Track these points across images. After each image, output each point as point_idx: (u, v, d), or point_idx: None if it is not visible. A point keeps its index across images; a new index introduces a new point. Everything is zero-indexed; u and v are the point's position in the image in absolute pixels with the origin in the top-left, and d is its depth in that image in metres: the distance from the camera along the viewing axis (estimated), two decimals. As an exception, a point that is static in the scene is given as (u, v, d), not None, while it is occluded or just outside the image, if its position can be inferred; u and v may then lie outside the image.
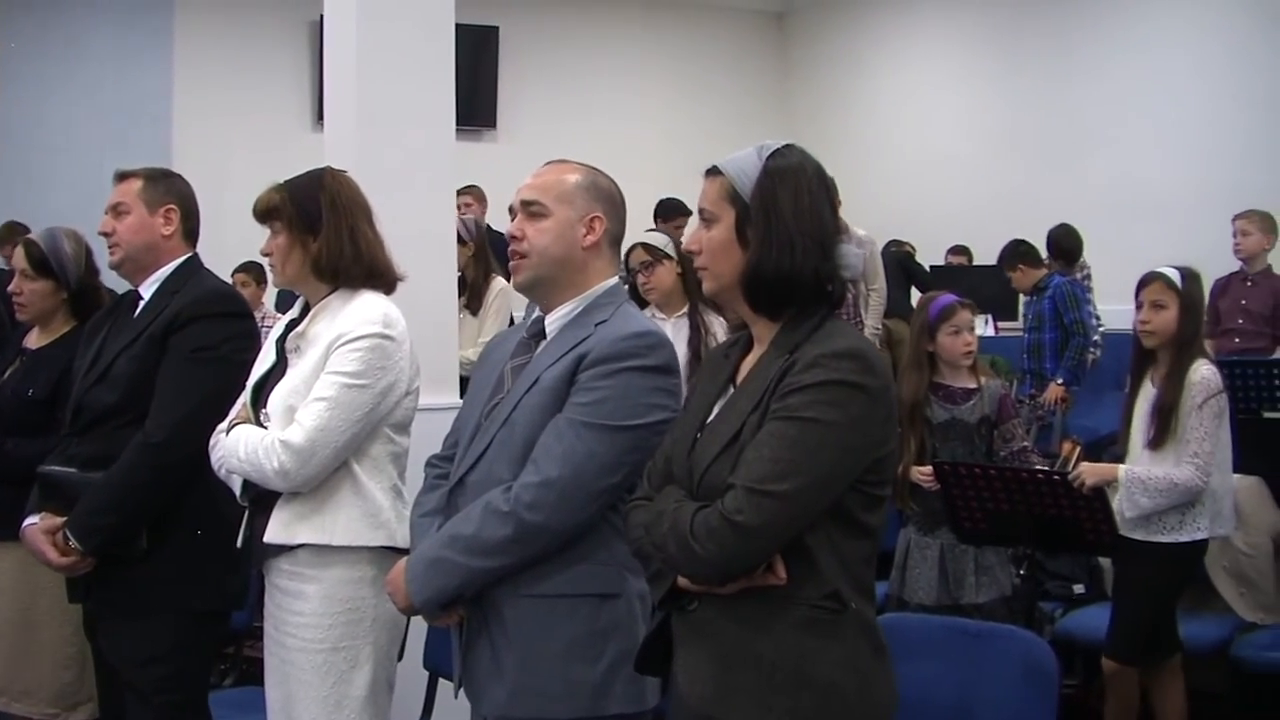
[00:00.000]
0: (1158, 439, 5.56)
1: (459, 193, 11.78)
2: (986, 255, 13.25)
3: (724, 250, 2.99)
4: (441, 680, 4.89)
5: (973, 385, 5.90)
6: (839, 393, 2.78)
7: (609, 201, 3.71)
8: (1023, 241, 10.24)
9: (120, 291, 4.94)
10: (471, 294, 7.95)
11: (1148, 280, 5.67)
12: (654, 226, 6.06)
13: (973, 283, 12.32)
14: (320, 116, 6.38)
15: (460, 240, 7.72)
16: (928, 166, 15.17)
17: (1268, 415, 6.98)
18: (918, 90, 15.67)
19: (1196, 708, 5.92)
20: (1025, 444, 5.94)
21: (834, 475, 2.80)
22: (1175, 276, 5.65)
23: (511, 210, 3.70)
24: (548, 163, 3.78)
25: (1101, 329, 10.10)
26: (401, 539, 3.99)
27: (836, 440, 2.77)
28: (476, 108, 14.93)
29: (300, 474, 3.90)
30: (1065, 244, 10.58)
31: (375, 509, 4.03)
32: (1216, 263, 9.12)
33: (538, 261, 3.63)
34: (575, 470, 3.39)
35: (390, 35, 5.72)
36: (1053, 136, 13.78)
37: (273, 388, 4.05)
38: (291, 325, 4.18)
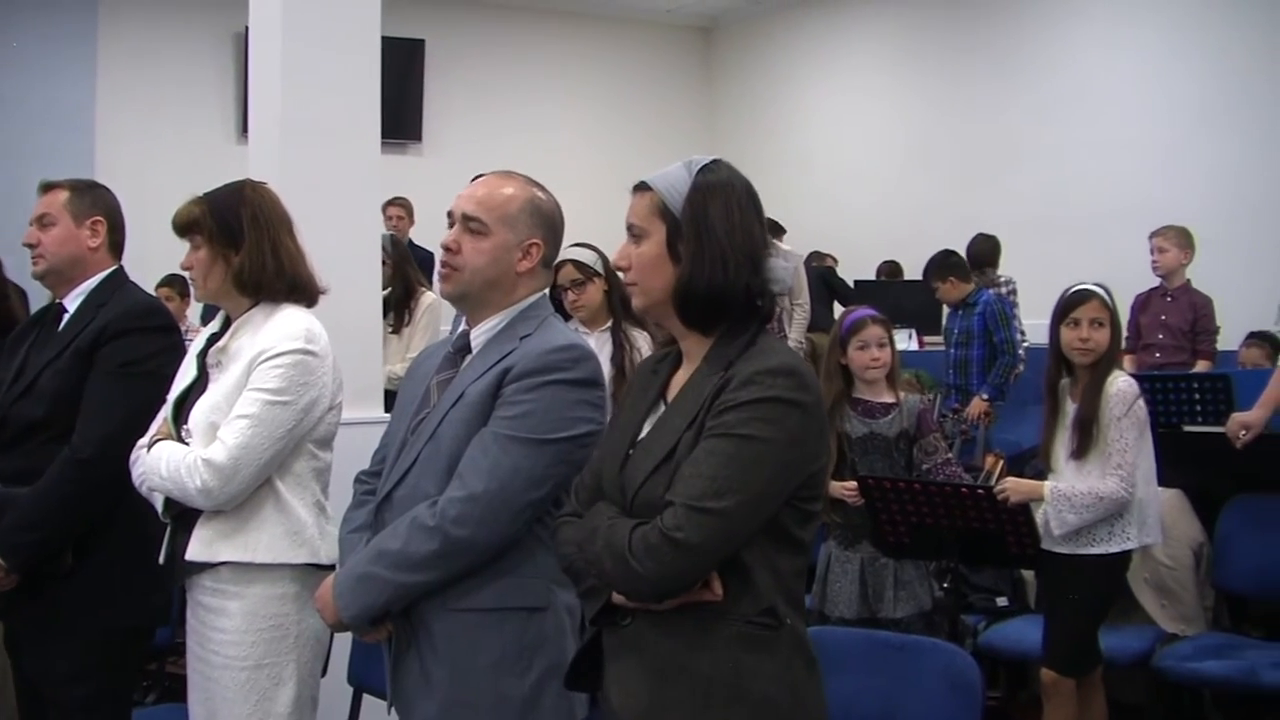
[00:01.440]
0: (1080, 449, 5.60)
1: (388, 205, 11.85)
2: (910, 269, 13.38)
3: (654, 266, 2.98)
4: (366, 696, 4.87)
5: (891, 400, 5.92)
6: (775, 409, 2.79)
7: (549, 226, 3.70)
8: (953, 253, 10.27)
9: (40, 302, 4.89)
10: (395, 312, 7.93)
11: (1084, 298, 5.65)
12: (578, 243, 6.03)
13: (897, 297, 12.42)
14: (245, 128, 6.34)
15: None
16: (853, 181, 15.26)
17: (1188, 429, 7.04)
18: (843, 105, 15.77)
19: (1117, 718, 5.96)
20: (948, 456, 5.97)
21: (771, 492, 2.81)
22: (1106, 294, 5.69)
23: (449, 216, 3.68)
24: (493, 173, 3.76)
25: (1025, 343, 10.17)
26: (325, 556, 3.98)
27: (773, 457, 2.79)
28: (402, 121, 14.94)
29: (223, 492, 3.87)
30: (980, 250, 10.67)
31: (298, 526, 4.00)
32: (1136, 278, 9.20)
33: (469, 279, 3.62)
34: (501, 484, 3.39)
35: (316, 47, 5.69)
36: (976, 152, 13.90)
37: (193, 403, 4.02)
38: (212, 339, 4.14)
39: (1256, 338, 8.55)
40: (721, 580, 2.83)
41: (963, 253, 10.51)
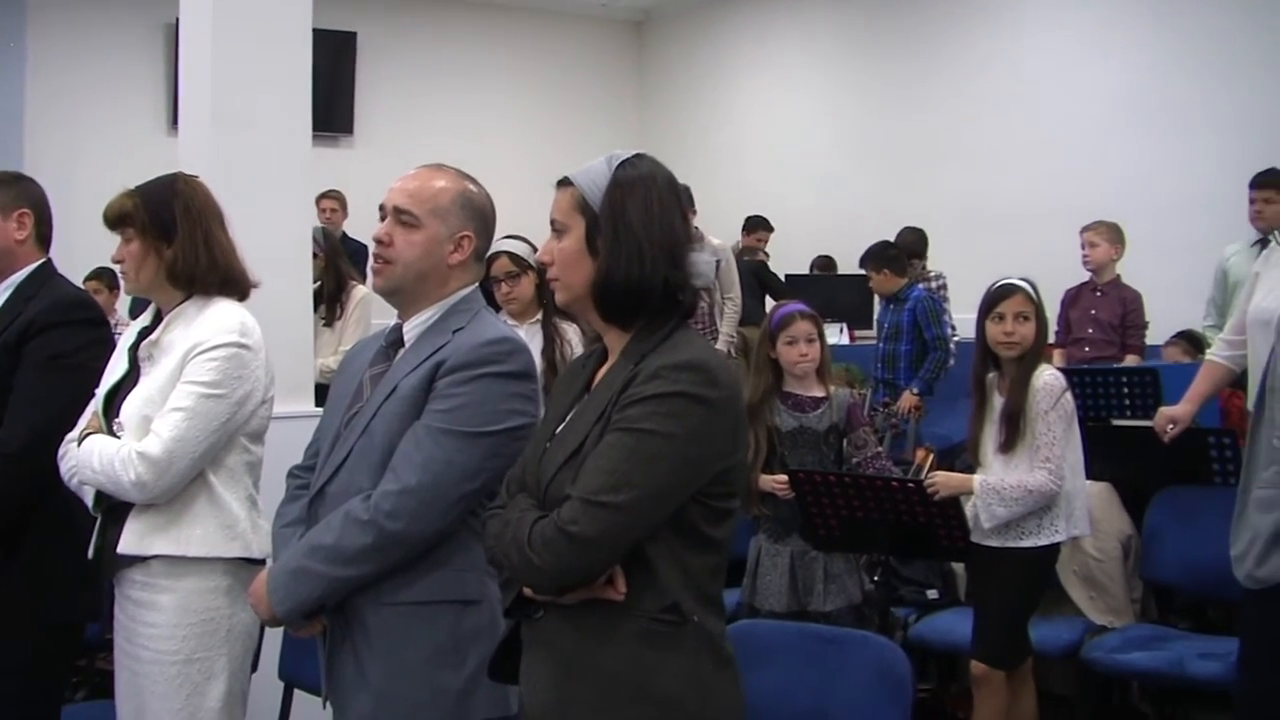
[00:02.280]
0: (1008, 443, 5.63)
1: (322, 198, 11.81)
2: (843, 263, 13.43)
3: (575, 261, 2.99)
4: (297, 691, 4.85)
5: (821, 394, 5.93)
6: (677, 404, 2.79)
7: (480, 218, 3.69)
8: (891, 244, 10.30)
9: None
10: (327, 305, 7.90)
11: (1008, 292, 5.69)
12: (511, 235, 6.02)
13: (829, 291, 12.46)
14: (175, 121, 6.30)
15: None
16: (784, 175, 15.30)
17: (1116, 423, 7.10)
18: (775, 99, 15.80)
19: (1046, 709, 6.00)
20: (879, 449, 6.00)
21: (671, 487, 2.80)
22: (1031, 289, 5.73)
23: (381, 209, 3.67)
24: (425, 166, 3.74)
25: (955, 338, 10.23)
26: (257, 550, 3.97)
27: (674, 452, 2.78)
28: (334, 113, 14.86)
29: (158, 485, 3.85)
30: (908, 242, 10.72)
31: (231, 520, 3.99)
32: (1066, 273, 9.27)
33: (401, 272, 3.60)
34: (434, 477, 3.38)
35: (246, 39, 5.67)
36: (907, 147, 13.96)
37: (124, 396, 4.00)
38: (144, 333, 4.12)
39: (1179, 337, 8.62)
40: (625, 576, 2.83)
41: (894, 250, 10.55)
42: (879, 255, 9.93)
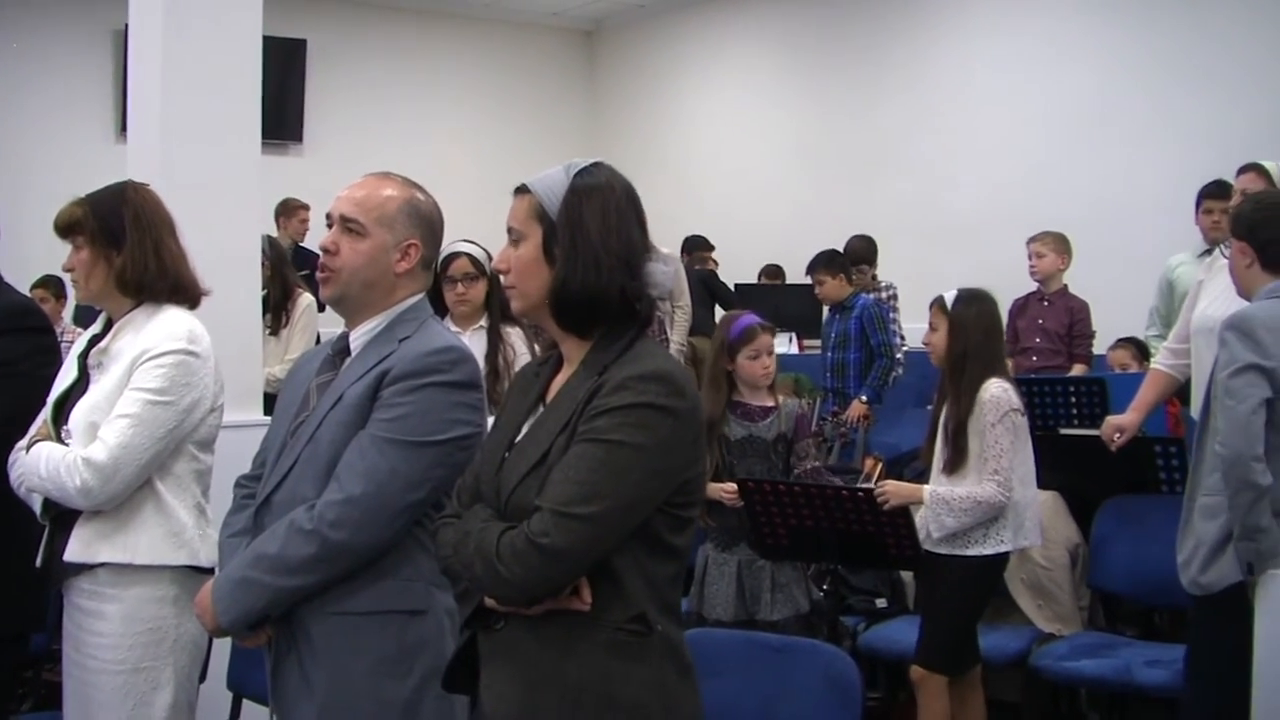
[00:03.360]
0: (951, 460, 5.67)
1: (298, 206, 11.72)
2: (791, 272, 13.44)
3: (531, 269, 2.98)
4: (246, 701, 4.84)
5: (770, 404, 5.94)
6: (646, 415, 2.79)
7: (427, 227, 3.67)
8: (839, 253, 10.29)
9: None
10: (273, 314, 7.87)
11: (932, 303, 5.81)
12: (470, 237, 6.03)
13: (778, 301, 12.46)
14: (124, 128, 6.28)
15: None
16: (733, 184, 15.32)
17: (1064, 432, 7.13)
18: (725, 108, 15.81)
19: (994, 717, 6.02)
20: (817, 463, 6.00)
21: (641, 498, 2.80)
22: (949, 298, 5.77)
23: (328, 218, 3.66)
24: (372, 174, 3.73)
25: (904, 347, 10.26)
26: (205, 558, 3.96)
27: (643, 463, 2.78)
28: (283, 121, 14.76)
29: (103, 492, 3.84)
30: (856, 249, 10.73)
31: (179, 527, 3.98)
32: (1015, 282, 9.30)
33: (348, 280, 3.58)
34: (378, 487, 3.36)
35: (196, 46, 5.66)
36: (857, 156, 14.00)
37: (74, 404, 3.99)
38: (94, 341, 4.11)
39: (1124, 341, 8.67)
40: (592, 586, 2.83)
41: (843, 255, 10.55)
42: (829, 262, 9.92)
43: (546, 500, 2.76)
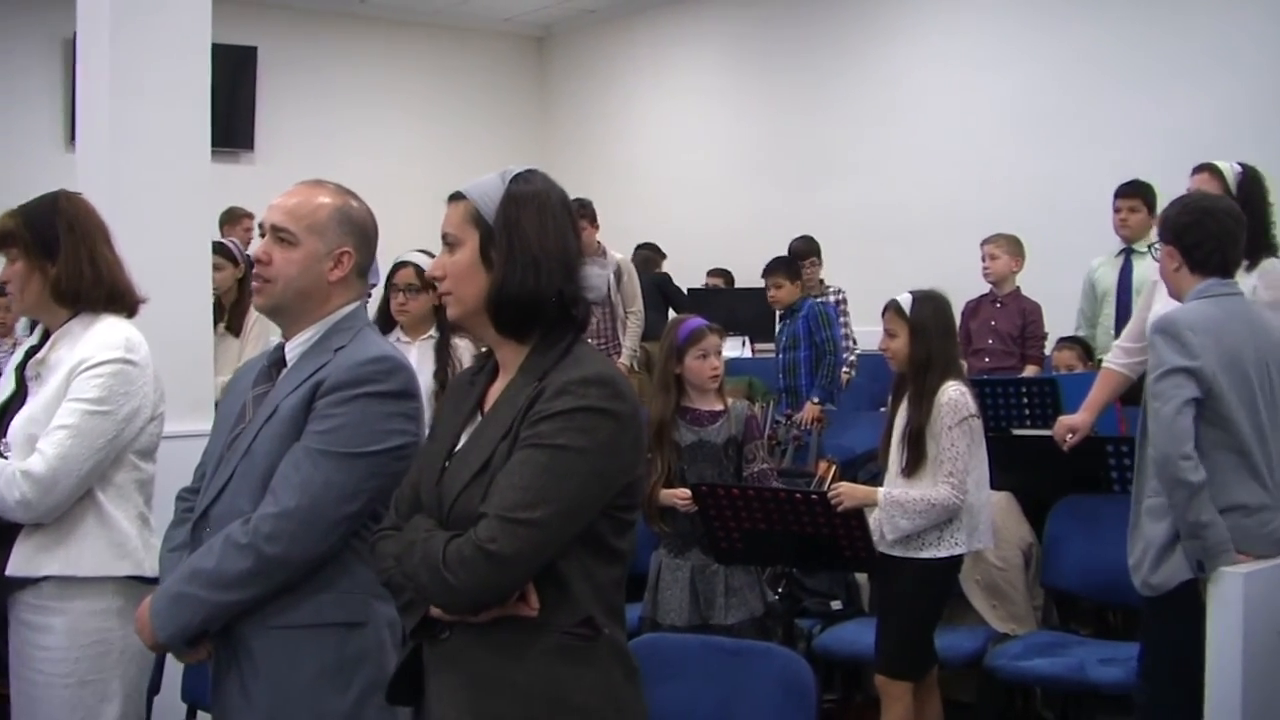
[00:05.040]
0: (910, 463, 5.68)
1: (243, 215, 11.69)
2: (742, 277, 13.45)
3: (468, 274, 2.98)
4: (200, 713, 4.82)
5: (719, 407, 5.93)
6: (588, 419, 2.80)
7: (360, 234, 3.63)
8: (794, 260, 10.29)
9: None
10: (232, 316, 7.84)
11: (885, 308, 5.83)
12: (422, 242, 6.05)
13: (730, 305, 12.47)
14: (73, 137, 6.25)
15: (234, 261, 7.64)
16: (683, 189, 15.32)
17: (1017, 432, 7.16)
18: (674, 114, 15.82)
19: (951, 717, 6.04)
20: (765, 465, 5.99)
21: (585, 502, 2.81)
22: (906, 303, 5.78)
23: (261, 227, 3.64)
24: (300, 183, 3.69)
25: (857, 350, 10.27)
26: (149, 568, 3.94)
27: (587, 467, 2.79)
28: (234, 129, 14.67)
29: (43, 504, 3.82)
30: (798, 249, 10.74)
31: (122, 538, 3.97)
32: (966, 284, 9.32)
33: (281, 290, 3.55)
34: (313, 499, 3.34)
35: (145, 54, 5.64)
36: (805, 161, 14.02)
37: (12, 417, 3.97)
38: (31, 352, 4.09)
39: (1067, 341, 8.71)
40: (538, 591, 2.83)
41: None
42: (787, 266, 9.89)
43: (492, 507, 2.76)
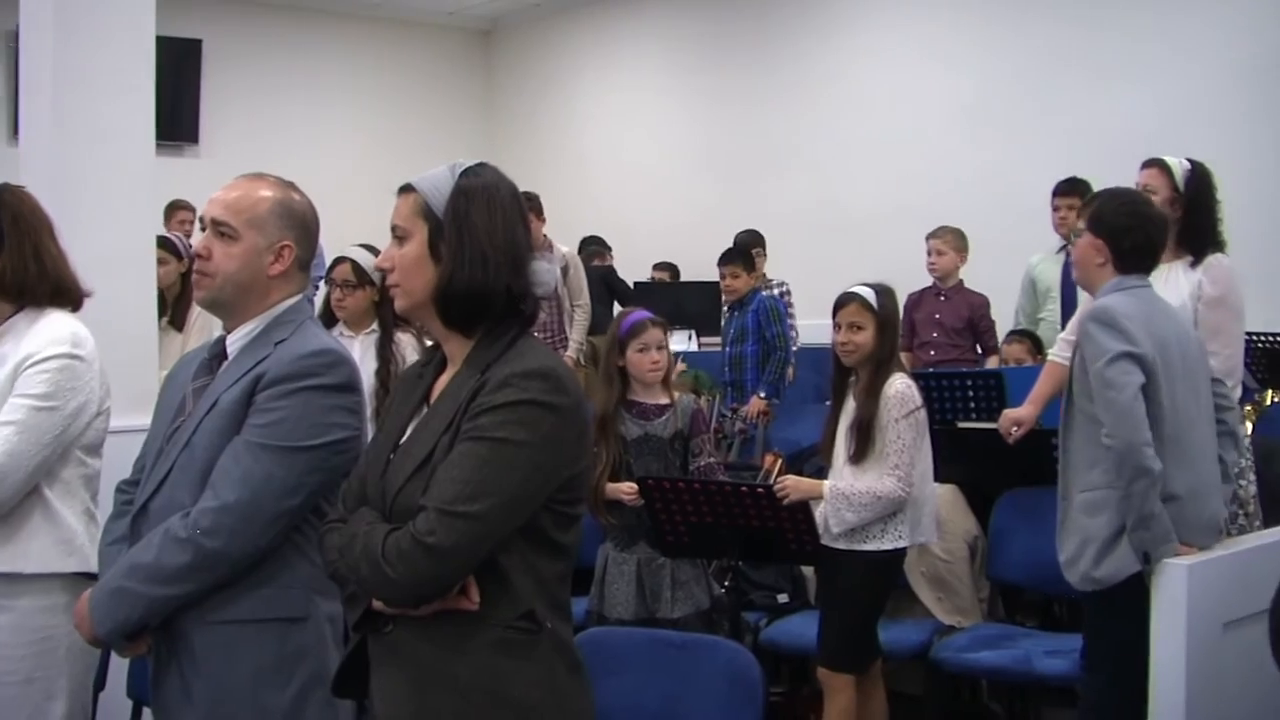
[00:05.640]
0: (858, 454, 5.70)
1: (179, 208, 11.64)
2: (688, 270, 13.46)
3: (416, 266, 2.98)
4: (146, 709, 4.79)
5: (665, 401, 5.93)
6: (528, 412, 2.81)
7: (301, 227, 3.63)
8: (746, 251, 10.29)
9: None
10: (175, 310, 7.81)
11: (844, 301, 5.80)
12: (364, 244, 6.03)
13: (676, 298, 12.48)
14: (16, 130, 6.21)
15: (177, 255, 7.61)
16: (629, 183, 15.33)
17: (962, 425, 7.18)
18: (620, 107, 15.82)
19: (896, 710, 6.06)
20: (712, 459, 5.99)
21: (525, 495, 2.82)
22: (871, 296, 5.79)
23: (202, 221, 3.63)
24: (241, 176, 3.68)
25: (798, 345, 10.29)
26: (96, 564, 3.90)
27: (527, 460, 2.80)
28: (178, 122, 14.58)
29: None
30: (744, 242, 10.73)
31: (69, 534, 3.94)
32: (911, 277, 9.35)
33: (220, 284, 3.54)
34: (253, 493, 3.33)
35: (89, 47, 5.60)
36: (752, 154, 14.04)
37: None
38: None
39: (1018, 334, 8.76)
40: (479, 585, 2.84)
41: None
42: (744, 256, 9.89)
43: (431, 499, 2.78)
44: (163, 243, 7.16)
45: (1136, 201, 5.11)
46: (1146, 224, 4.96)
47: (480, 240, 2.94)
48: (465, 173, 3.02)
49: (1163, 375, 4.70)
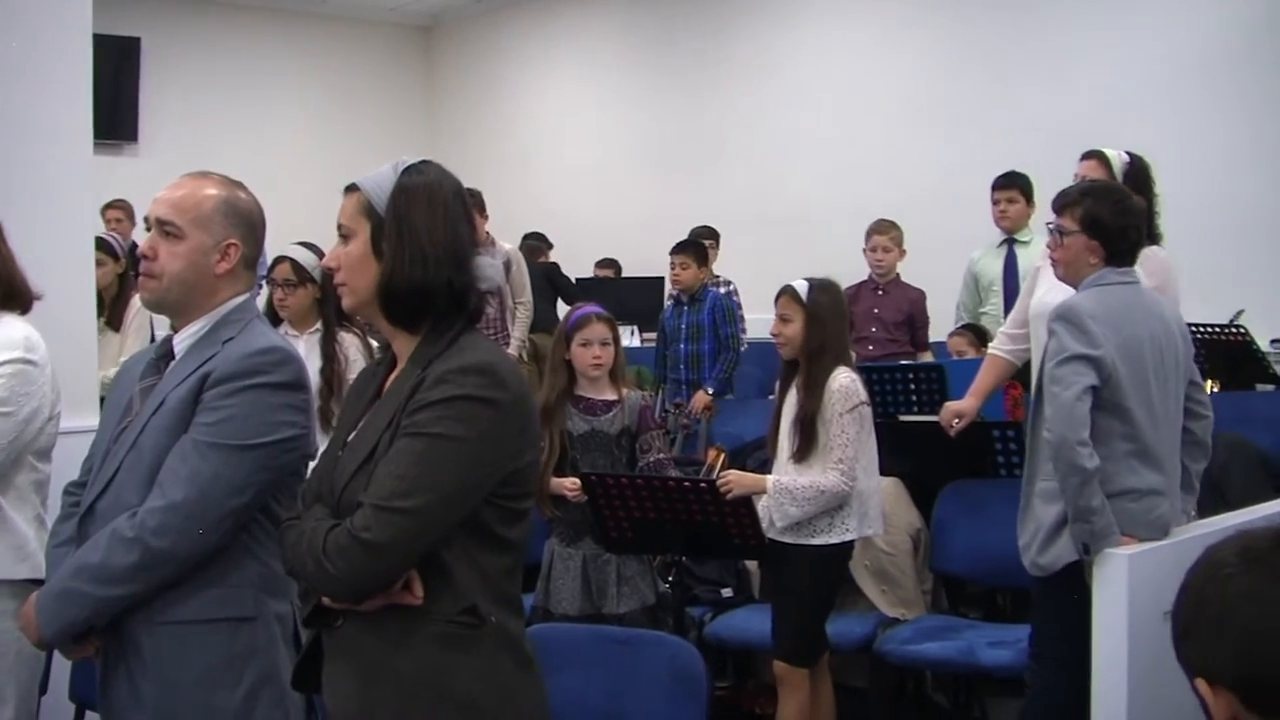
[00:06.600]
0: (802, 449, 5.72)
1: (109, 207, 11.57)
2: (630, 267, 13.48)
3: (360, 264, 3.00)
4: (89, 712, 4.77)
5: (613, 397, 5.94)
6: (465, 408, 2.83)
7: (247, 225, 3.60)
8: (701, 243, 10.31)
9: None
10: (113, 310, 7.77)
11: (779, 294, 5.86)
12: (303, 242, 6.00)
13: (619, 295, 12.48)
14: (-48, 130, 6.15)
15: (114, 256, 7.57)
16: (571, 179, 15.36)
17: (904, 418, 7.21)
18: (562, 104, 15.84)
19: (842, 702, 6.08)
20: (662, 455, 6.00)
21: (462, 490, 2.83)
22: (802, 289, 5.82)
23: (147, 221, 3.61)
24: (186, 175, 3.65)
25: (745, 338, 10.32)
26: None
27: (464, 455, 2.82)
28: (117, 121, 14.50)
29: None
30: (702, 233, 10.76)
31: (20, 540, 3.93)
32: (853, 270, 9.37)
33: (167, 285, 3.51)
34: (201, 492, 3.30)
35: (24, 45, 5.55)
36: (695, 150, 14.08)
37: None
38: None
39: (963, 328, 8.79)
40: (422, 580, 2.85)
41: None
42: (696, 248, 9.92)
43: (369, 495, 2.80)
44: (99, 244, 7.10)
45: (1126, 198, 5.12)
46: (1138, 219, 5.02)
47: (420, 237, 2.95)
48: (407, 170, 3.03)
49: (1128, 376, 4.72)
